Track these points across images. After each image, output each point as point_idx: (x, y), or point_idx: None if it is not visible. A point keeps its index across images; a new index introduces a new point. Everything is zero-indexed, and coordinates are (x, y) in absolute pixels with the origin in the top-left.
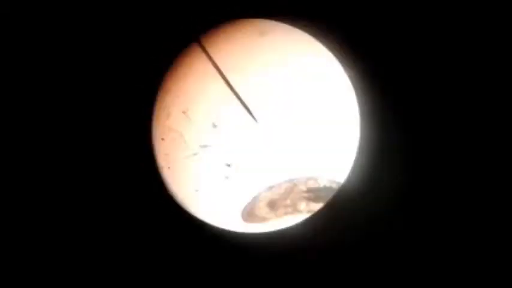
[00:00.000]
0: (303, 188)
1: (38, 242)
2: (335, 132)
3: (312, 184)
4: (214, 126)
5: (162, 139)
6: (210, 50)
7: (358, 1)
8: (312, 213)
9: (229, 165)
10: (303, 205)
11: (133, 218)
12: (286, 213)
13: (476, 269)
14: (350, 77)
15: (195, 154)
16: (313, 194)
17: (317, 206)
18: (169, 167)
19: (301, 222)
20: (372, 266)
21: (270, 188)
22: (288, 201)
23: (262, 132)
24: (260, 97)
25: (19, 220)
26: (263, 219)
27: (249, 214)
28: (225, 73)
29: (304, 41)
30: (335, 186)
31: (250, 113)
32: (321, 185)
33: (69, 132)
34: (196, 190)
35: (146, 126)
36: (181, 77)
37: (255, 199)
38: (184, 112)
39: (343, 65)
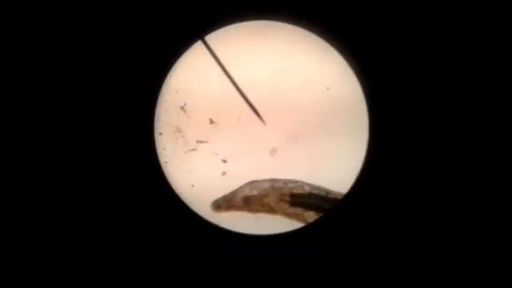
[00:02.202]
0: (285, 190)
1: (41, 239)
2: (340, 139)
3: (296, 189)
4: (212, 122)
5: (160, 134)
6: (215, 49)
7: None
8: (290, 217)
9: (225, 161)
10: (282, 207)
11: (132, 210)
12: (260, 211)
13: (479, 274)
14: (360, 84)
15: (193, 150)
16: (296, 198)
17: (297, 211)
18: (166, 162)
19: (303, 228)
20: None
21: (251, 183)
22: (266, 200)
23: (266, 132)
24: (265, 97)
25: (21, 218)
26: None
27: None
28: (230, 72)
29: (310, 43)
30: (322, 193)
31: (258, 115)
32: (306, 191)
33: (71, 130)
34: (192, 185)
35: (149, 120)
36: (183, 73)
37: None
38: (182, 107)
39: (353, 72)
